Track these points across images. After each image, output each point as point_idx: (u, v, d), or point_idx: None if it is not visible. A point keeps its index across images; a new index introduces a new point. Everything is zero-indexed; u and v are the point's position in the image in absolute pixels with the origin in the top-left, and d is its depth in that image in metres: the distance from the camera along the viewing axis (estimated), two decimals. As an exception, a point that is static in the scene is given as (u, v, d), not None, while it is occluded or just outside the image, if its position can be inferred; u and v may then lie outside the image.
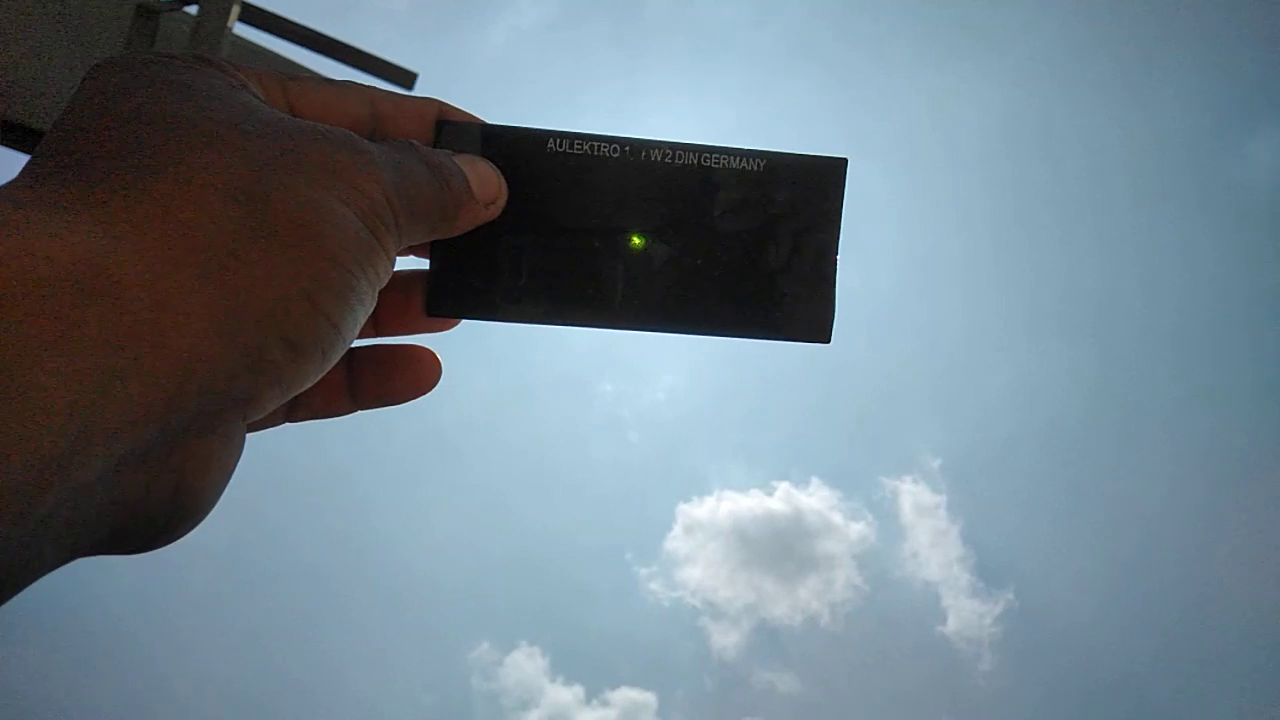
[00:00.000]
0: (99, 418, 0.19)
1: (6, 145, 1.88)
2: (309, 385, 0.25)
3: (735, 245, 0.33)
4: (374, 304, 0.27)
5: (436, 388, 0.33)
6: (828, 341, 0.34)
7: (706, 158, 0.32)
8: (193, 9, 1.94)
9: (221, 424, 0.23)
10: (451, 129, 0.31)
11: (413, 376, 0.33)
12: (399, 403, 0.33)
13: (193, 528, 0.25)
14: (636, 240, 0.32)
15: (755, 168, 0.33)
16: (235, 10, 1.84)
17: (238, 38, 2.01)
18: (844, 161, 0.33)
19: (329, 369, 0.25)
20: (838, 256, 0.33)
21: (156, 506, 0.23)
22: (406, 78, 2.29)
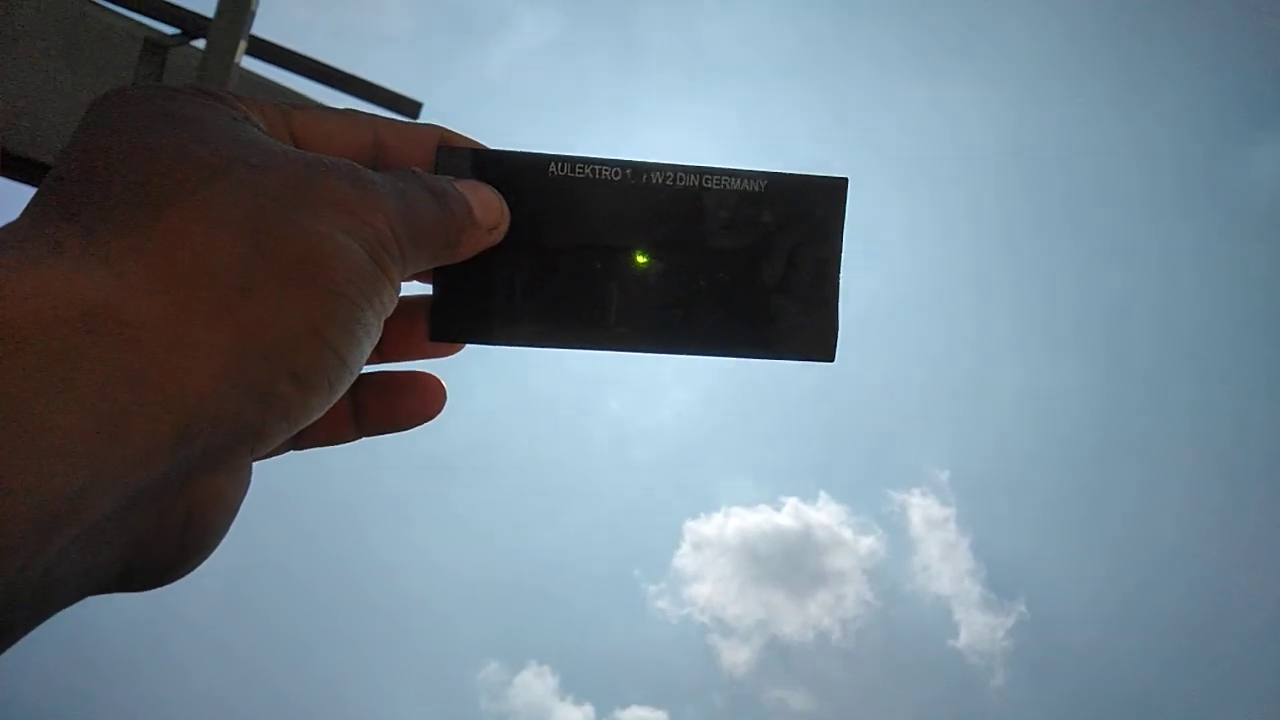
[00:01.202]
0: (109, 457, 0.19)
1: (10, 178, 1.90)
2: (316, 417, 0.25)
3: (738, 265, 0.33)
4: (380, 334, 0.26)
5: (452, 406, 0.33)
6: (831, 359, 0.33)
7: (708, 179, 0.32)
8: (200, 43, 1.96)
9: (229, 460, 0.23)
10: (453, 155, 0.31)
11: (417, 403, 0.33)
12: (403, 429, 0.33)
13: (201, 563, 0.25)
14: (641, 259, 0.32)
15: (756, 189, 0.33)
16: (243, 44, 1.86)
17: (245, 71, 2.04)
18: (844, 181, 0.33)
19: (336, 400, 0.25)
20: (840, 275, 0.33)
21: (165, 543, 0.23)
22: (411, 106, 2.32)
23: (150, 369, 0.20)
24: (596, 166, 0.32)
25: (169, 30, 2.00)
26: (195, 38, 1.99)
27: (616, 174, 0.32)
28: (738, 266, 0.33)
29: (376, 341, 0.26)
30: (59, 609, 0.22)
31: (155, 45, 1.97)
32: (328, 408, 0.25)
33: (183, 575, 0.25)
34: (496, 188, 0.31)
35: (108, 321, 0.20)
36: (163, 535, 0.23)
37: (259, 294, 0.22)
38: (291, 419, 0.24)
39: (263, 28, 1.93)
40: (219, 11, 1.83)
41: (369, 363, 0.33)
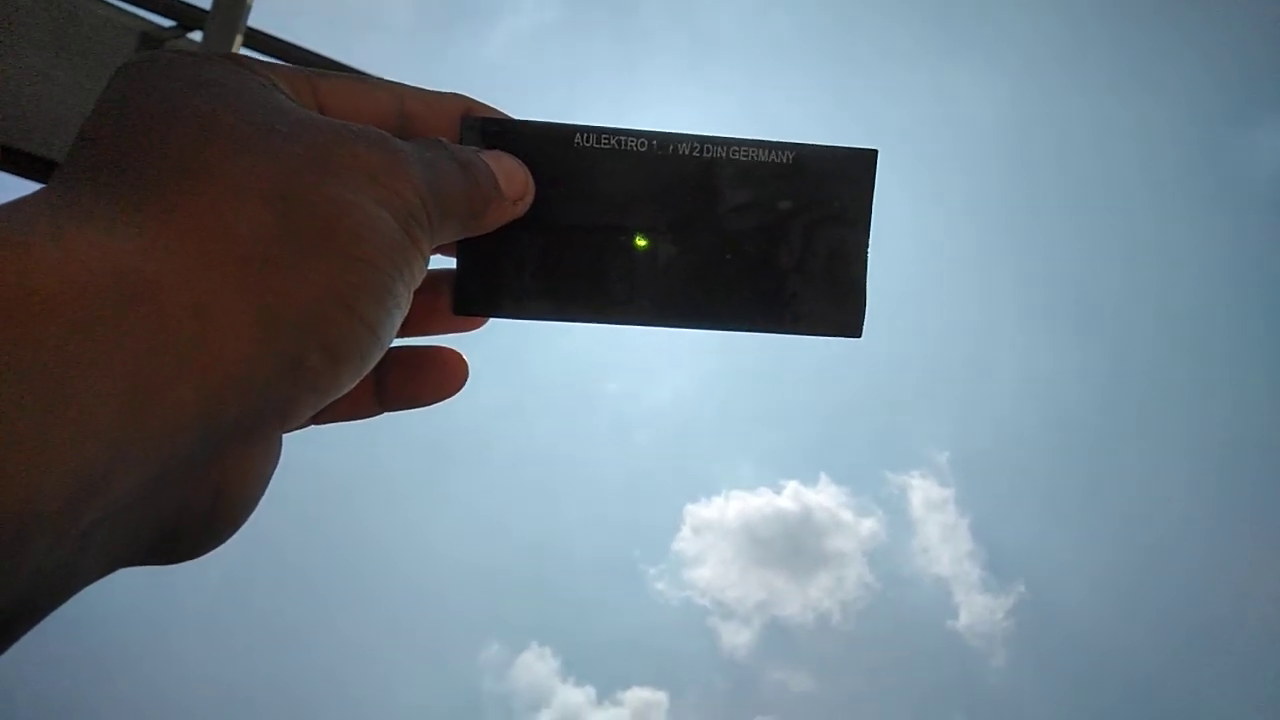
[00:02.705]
0: (140, 428, 0.19)
1: (6, 170, 1.89)
2: (346, 391, 0.24)
3: (764, 238, 0.32)
4: (409, 306, 0.26)
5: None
6: (858, 335, 0.33)
7: (735, 150, 0.32)
8: (197, 35, 1.95)
9: (259, 433, 0.22)
10: (478, 125, 0.31)
11: (440, 378, 0.32)
12: (426, 404, 0.33)
13: (230, 537, 0.25)
14: (640, 242, 0.32)
15: (784, 160, 0.32)
16: (239, 36, 1.85)
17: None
18: (874, 153, 0.33)
19: (366, 373, 0.25)
20: (869, 249, 0.33)
21: (196, 516, 0.23)
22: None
23: (180, 339, 0.20)
24: (622, 137, 0.32)
25: (165, 23, 1.99)
26: (191, 30, 1.98)
27: (642, 145, 0.32)
28: (764, 239, 0.32)
29: (405, 313, 0.26)
30: (91, 582, 0.21)
31: (151, 38, 1.96)
32: (356, 381, 0.24)
33: (213, 548, 0.24)
34: (521, 159, 0.31)
35: (138, 290, 0.19)
36: (192, 509, 0.22)
37: (289, 263, 0.22)
38: (321, 391, 0.23)
39: (259, 18, 1.92)
40: (215, 4, 1.82)
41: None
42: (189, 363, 0.20)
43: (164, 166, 0.22)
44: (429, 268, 0.33)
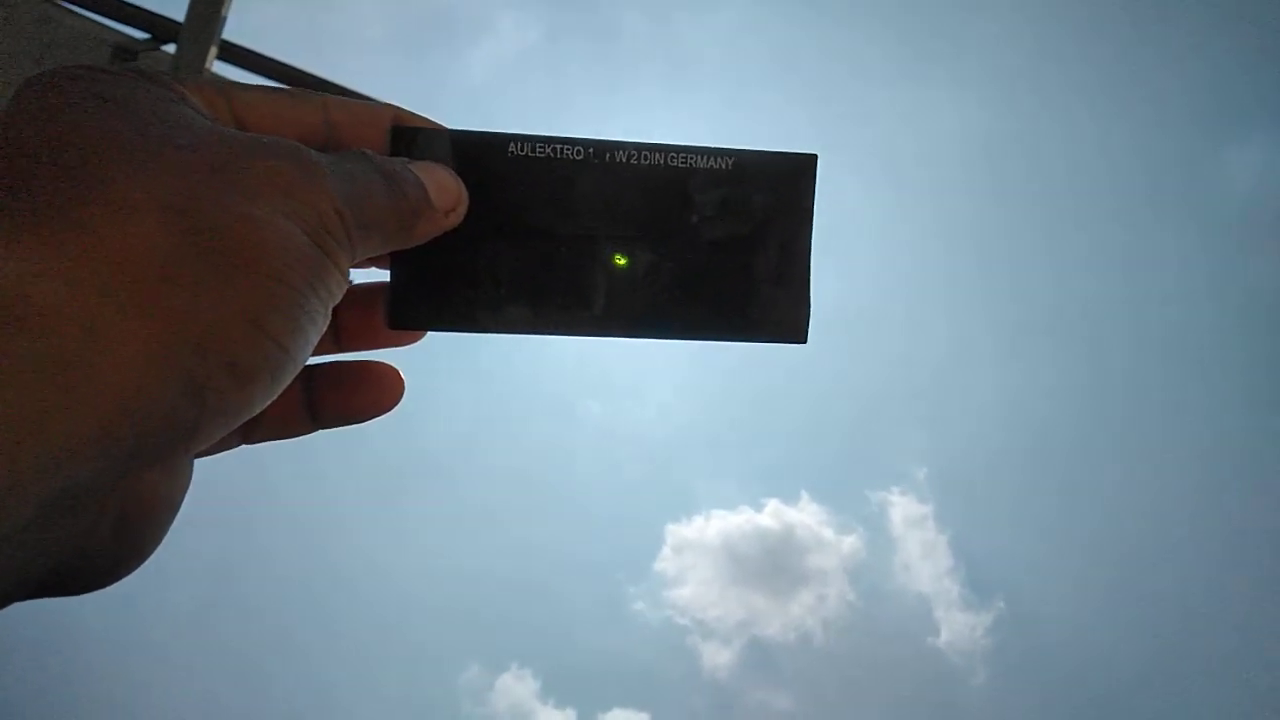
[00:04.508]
0: (26, 460, 0.18)
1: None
2: (258, 411, 0.24)
3: (704, 246, 0.32)
4: (327, 322, 0.25)
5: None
6: (803, 341, 0.33)
7: (673, 157, 0.32)
8: (171, 48, 1.94)
9: (163, 458, 0.22)
10: (408, 135, 0.30)
11: (374, 394, 0.32)
12: (361, 421, 0.32)
13: (138, 566, 0.24)
14: (619, 259, 0.31)
15: (723, 167, 0.32)
16: (214, 49, 1.84)
17: (215, 76, 2.02)
18: (814, 158, 0.32)
19: (279, 392, 0.24)
20: (810, 254, 0.33)
21: (97, 547, 0.22)
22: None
23: (69, 364, 0.19)
24: (558, 145, 0.31)
25: (139, 35, 1.98)
26: (165, 43, 1.97)
27: (579, 153, 0.31)
28: (705, 247, 0.32)
29: (323, 329, 0.25)
30: None
31: (125, 51, 1.95)
32: (270, 400, 0.24)
33: (119, 578, 0.24)
34: (454, 169, 0.30)
35: (24, 314, 0.19)
36: (93, 538, 0.22)
37: (189, 281, 0.21)
38: (230, 413, 0.22)
39: (234, 31, 1.92)
40: (189, 16, 1.81)
41: (326, 352, 0.32)
42: (78, 388, 0.19)
43: (57, 188, 0.21)
44: (368, 280, 0.33)
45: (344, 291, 0.26)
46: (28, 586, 0.21)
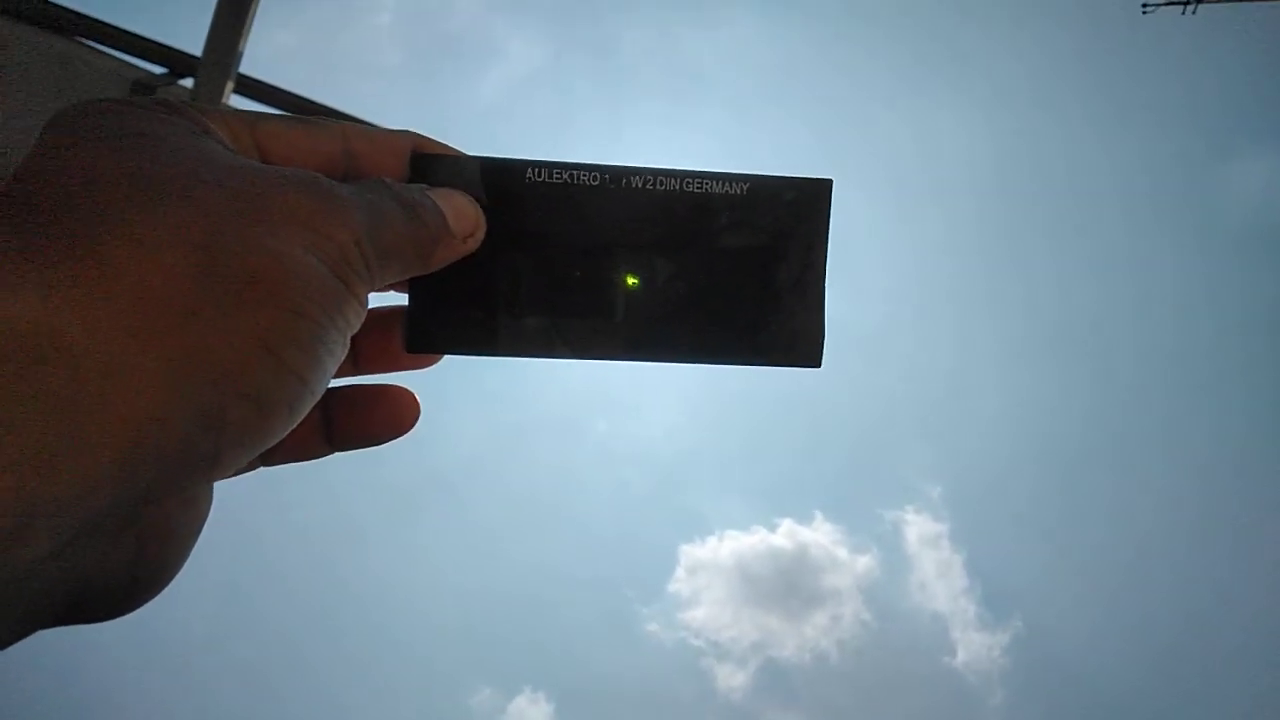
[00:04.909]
0: (46, 495, 0.18)
1: None
2: (276, 441, 0.24)
3: (719, 272, 0.32)
4: (345, 351, 0.25)
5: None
6: (818, 365, 0.33)
7: (688, 183, 0.32)
8: (188, 82, 1.97)
9: (181, 488, 0.22)
10: (427, 162, 0.31)
11: (390, 417, 0.32)
12: (377, 444, 0.32)
13: (157, 594, 0.24)
14: (630, 280, 0.32)
15: (738, 192, 0.32)
16: (230, 83, 1.87)
17: (238, 108, 2.04)
18: (829, 183, 0.33)
19: (298, 422, 0.24)
20: (825, 280, 0.33)
21: (115, 577, 0.22)
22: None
23: (88, 399, 0.19)
24: (574, 171, 0.31)
25: (157, 70, 2.01)
26: (184, 77, 2.00)
27: (595, 179, 0.31)
28: (719, 272, 0.32)
29: (342, 359, 0.25)
30: (4, 647, 0.21)
31: (143, 86, 1.98)
32: (289, 429, 0.24)
33: (138, 607, 0.24)
34: (472, 194, 0.30)
35: (43, 349, 0.19)
36: (111, 569, 0.22)
37: (211, 315, 0.21)
38: (249, 444, 0.23)
39: (250, 62, 1.94)
40: (207, 51, 1.84)
41: (344, 375, 0.33)
42: (96, 423, 0.19)
43: (81, 223, 0.21)
44: (386, 304, 0.33)
45: (362, 320, 0.26)
46: (48, 616, 0.21)
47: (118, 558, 0.22)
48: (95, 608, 0.23)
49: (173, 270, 0.21)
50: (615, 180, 0.32)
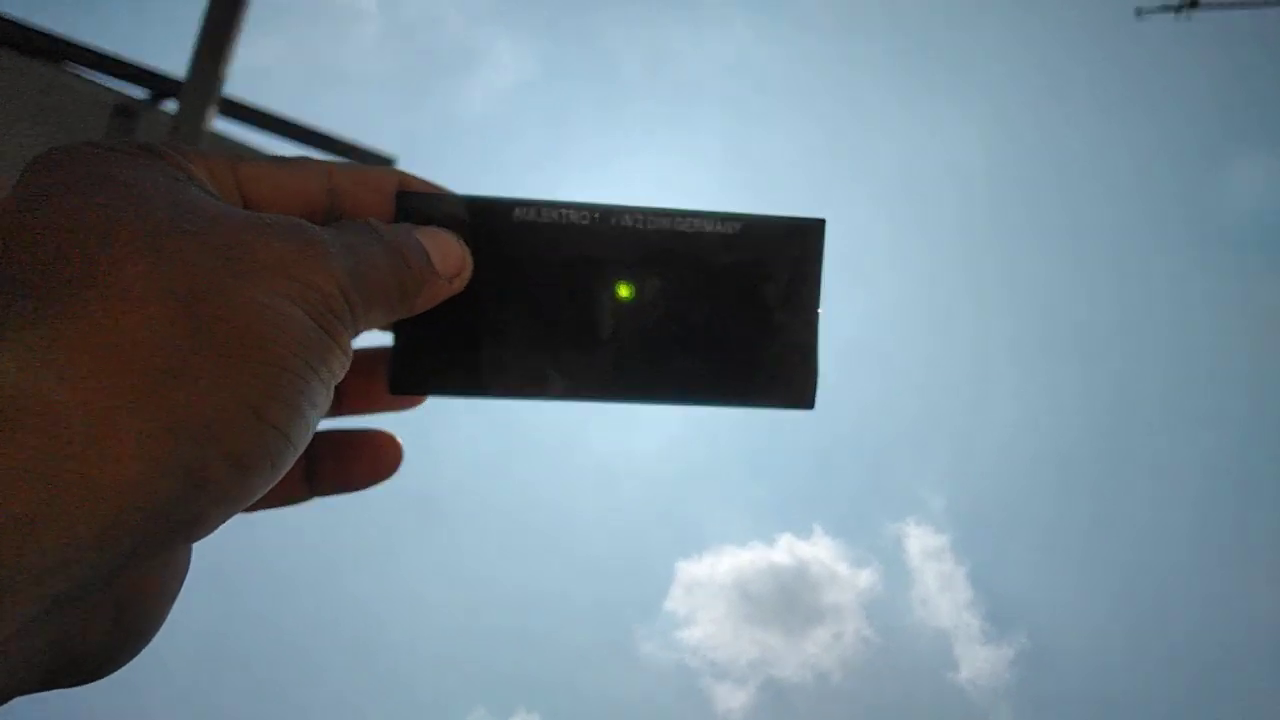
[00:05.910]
0: (25, 564, 0.18)
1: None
2: (258, 498, 0.23)
3: (711, 312, 0.31)
4: (329, 402, 0.25)
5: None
6: (810, 408, 0.32)
7: (679, 222, 0.31)
8: (171, 105, 1.96)
9: (164, 550, 0.21)
10: (413, 200, 0.30)
11: (372, 464, 0.31)
12: (358, 489, 0.32)
13: (137, 654, 0.24)
14: (624, 291, 0.31)
15: (730, 231, 0.32)
16: (214, 106, 1.86)
17: (216, 133, 2.03)
18: (822, 223, 0.32)
19: (280, 478, 0.24)
20: (818, 320, 0.32)
21: (94, 641, 0.22)
22: (384, 163, 2.32)
23: (68, 463, 0.18)
24: (563, 210, 0.31)
25: (140, 94, 2.00)
26: (166, 99, 1.99)
27: (584, 218, 0.31)
28: (710, 313, 0.31)
29: (325, 411, 0.25)
30: None
31: (125, 111, 1.97)
32: (270, 486, 0.23)
33: (116, 670, 0.23)
34: (459, 233, 0.30)
35: (20, 413, 0.18)
36: (90, 634, 0.21)
37: (193, 373, 0.20)
38: (231, 503, 0.22)
39: (233, 83, 1.94)
40: (190, 75, 1.83)
41: (328, 416, 0.32)
42: (78, 488, 0.19)
43: (59, 278, 0.20)
44: (371, 345, 0.32)
45: (347, 369, 0.25)
46: (24, 686, 0.21)
47: (96, 623, 0.21)
48: (74, 673, 0.22)
49: (155, 326, 0.20)
50: (605, 219, 0.31)
